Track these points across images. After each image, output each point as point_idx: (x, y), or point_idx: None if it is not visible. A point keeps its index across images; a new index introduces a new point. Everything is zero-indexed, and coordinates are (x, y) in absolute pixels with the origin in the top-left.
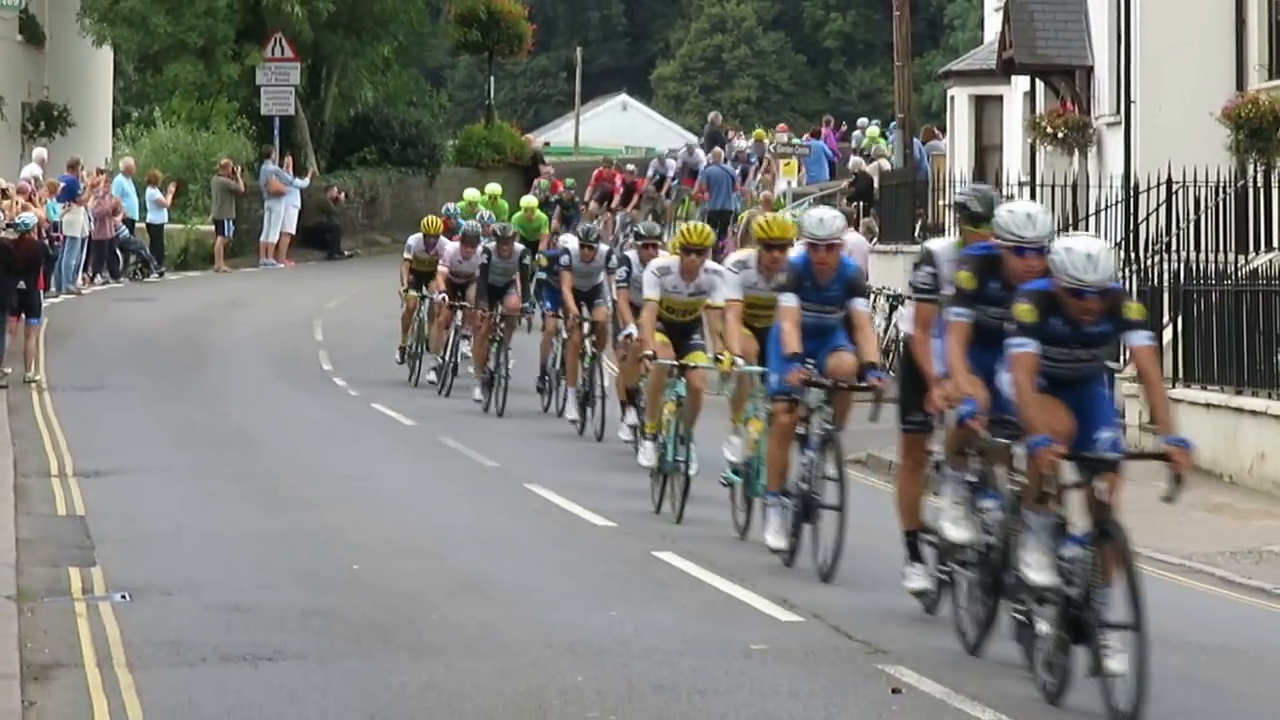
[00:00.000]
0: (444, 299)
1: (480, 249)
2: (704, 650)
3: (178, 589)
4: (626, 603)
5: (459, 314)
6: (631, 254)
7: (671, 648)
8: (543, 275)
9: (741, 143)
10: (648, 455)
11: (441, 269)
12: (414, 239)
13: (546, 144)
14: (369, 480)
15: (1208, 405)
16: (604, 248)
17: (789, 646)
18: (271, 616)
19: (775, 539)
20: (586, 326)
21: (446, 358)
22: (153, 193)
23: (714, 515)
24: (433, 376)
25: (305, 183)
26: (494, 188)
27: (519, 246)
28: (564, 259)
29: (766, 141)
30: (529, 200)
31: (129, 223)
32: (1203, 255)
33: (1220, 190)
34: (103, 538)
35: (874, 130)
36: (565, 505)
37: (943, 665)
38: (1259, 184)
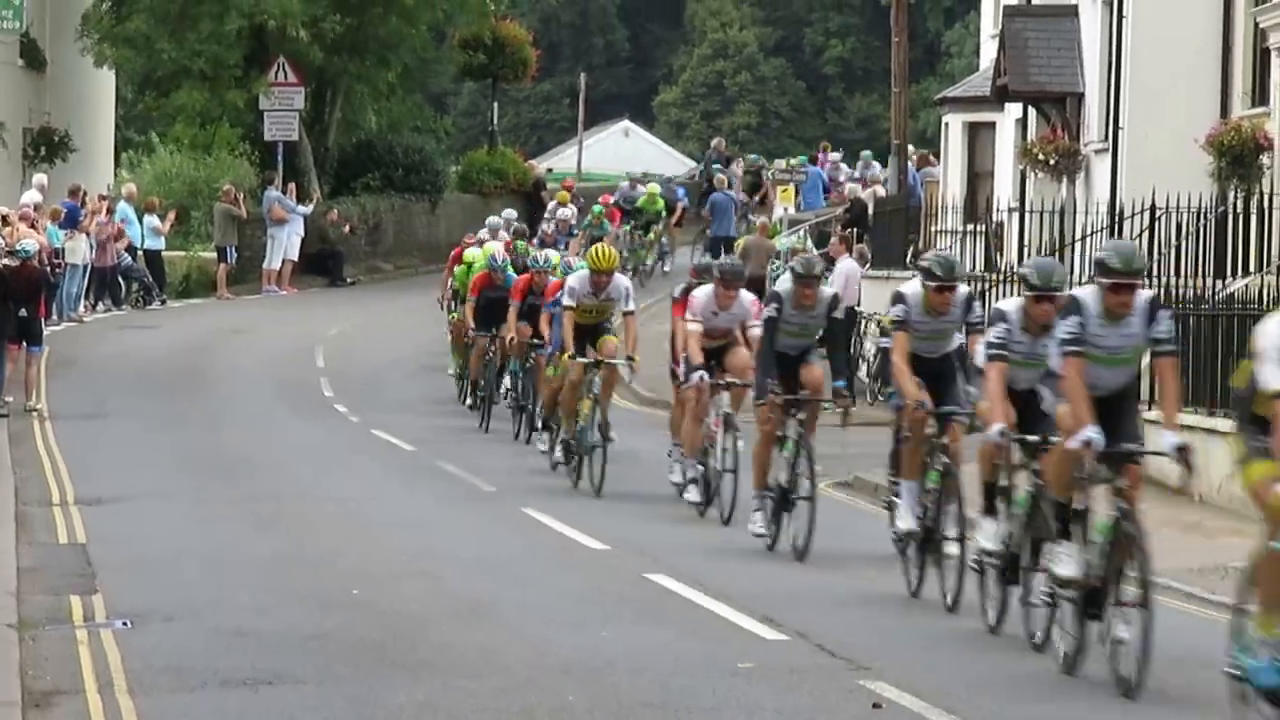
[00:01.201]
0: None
1: None
2: (693, 669)
3: (178, 614)
4: (619, 623)
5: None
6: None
7: (661, 667)
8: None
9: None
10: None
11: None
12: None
13: (549, 170)
14: (368, 504)
15: (1181, 426)
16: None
17: (774, 664)
18: (271, 640)
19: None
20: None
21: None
22: (151, 220)
23: (704, 539)
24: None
25: (308, 210)
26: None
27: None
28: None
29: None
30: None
31: (131, 250)
32: (1182, 280)
33: (1201, 216)
34: (104, 565)
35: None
36: (561, 529)
37: (922, 680)
38: (1238, 210)
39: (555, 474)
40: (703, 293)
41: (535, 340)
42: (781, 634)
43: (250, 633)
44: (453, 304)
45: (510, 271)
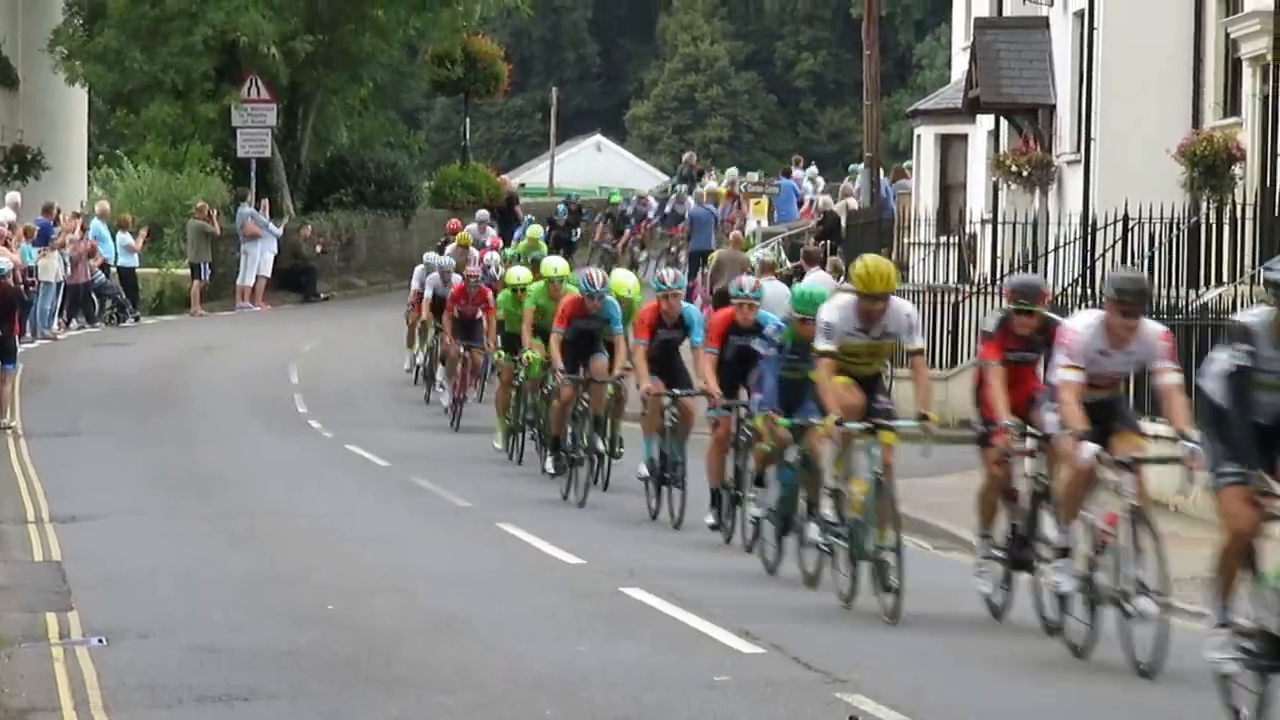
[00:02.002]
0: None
1: None
2: (668, 683)
3: (154, 631)
4: (594, 638)
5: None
6: None
7: (637, 681)
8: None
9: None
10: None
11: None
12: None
13: (522, 185)
14: (342, 520)
15: (1156, 437)
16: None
17: (750, 677)
18: (246, 657)
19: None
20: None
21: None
22: (124, 237)
23: (681, 552)
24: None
25: (279, 232)
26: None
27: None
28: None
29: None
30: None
31: (105, 267)
32: (1156, 290)
33: (1174, 226)
34: (79, 582)
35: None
36: (536, 544)
37: (899, 693)
38: (1211, 220)
39: (531, 489)
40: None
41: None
42: (758, 647)
43: (225, 649)
44: (497, 341)
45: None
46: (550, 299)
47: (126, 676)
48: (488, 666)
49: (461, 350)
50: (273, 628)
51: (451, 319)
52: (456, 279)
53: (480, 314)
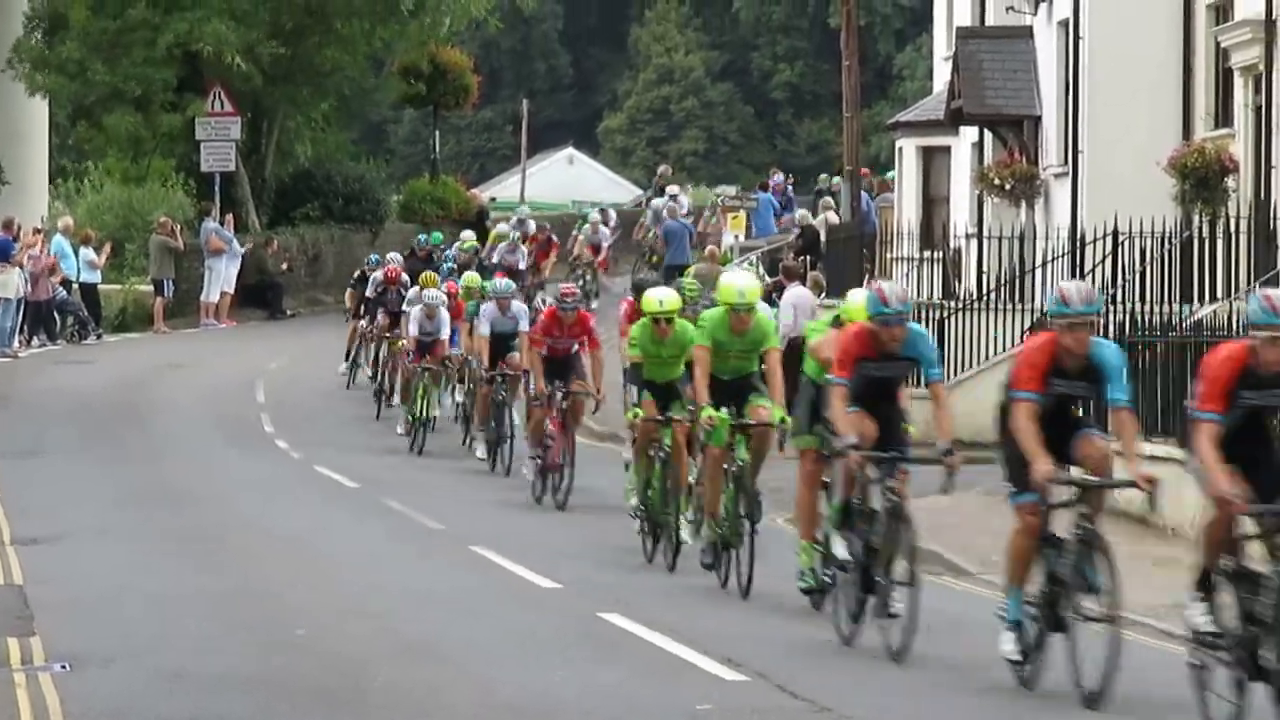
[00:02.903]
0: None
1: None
2: (648, 711)
3: (119, 656)
4: (571, 664)
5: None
6: None
7: (615, 709)
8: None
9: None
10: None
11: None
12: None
13: (492, 199)
14: (312, 543)
15: (1152, 458)
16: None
17: (734, 706)
18: (213, 682)
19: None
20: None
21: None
22: (86, 252)
23: (662, 578)
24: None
25: (240, 250)
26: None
27: None
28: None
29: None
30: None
31: (66, 284)
32: (1148, 307)
33: (1166, 241)
34: (41, 606)
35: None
36: (511, 567)
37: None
38: (1204, 234)
39: (504, 512)
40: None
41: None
42: (742, 674)
43: (191, 674)
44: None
45: None
46: (734, 333)
47: (91, 703)
48: (460, 691)
49: (559, 398)
50: (241, 652)
51: (539, 358)
52: (519, 307)
53: (577, 347)
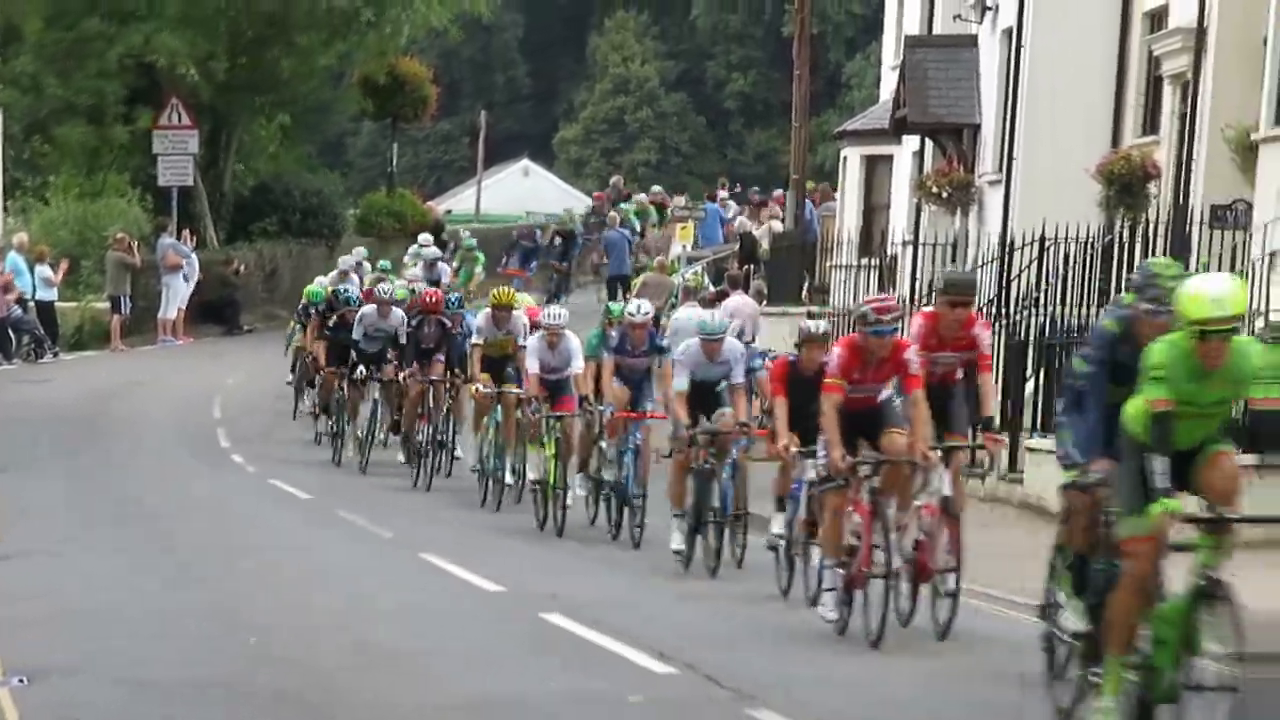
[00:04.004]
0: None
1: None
2: (586, 705)
3: (79, 669)
4: (516, 663)
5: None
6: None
7: (555, 704)
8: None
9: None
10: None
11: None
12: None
13: (448, 211)
14: (267, 554)
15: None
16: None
17: (665, 697)
18: (173, 692)
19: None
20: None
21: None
22: (42, 270)
23: (603, 579)
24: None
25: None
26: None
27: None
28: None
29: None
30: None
31: (22, 302)
32: (1068, 309)
33: (1089, 245)
34: (0, 621)
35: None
36: (458, 572)
37: (806, 707)
38: (1124, 238)
39: (454, 520)
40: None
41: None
42: (671, 667)
43: (151, 684)
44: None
45: None
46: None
47: (51, 714)
48: (411, 695)
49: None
50: (199, 662)
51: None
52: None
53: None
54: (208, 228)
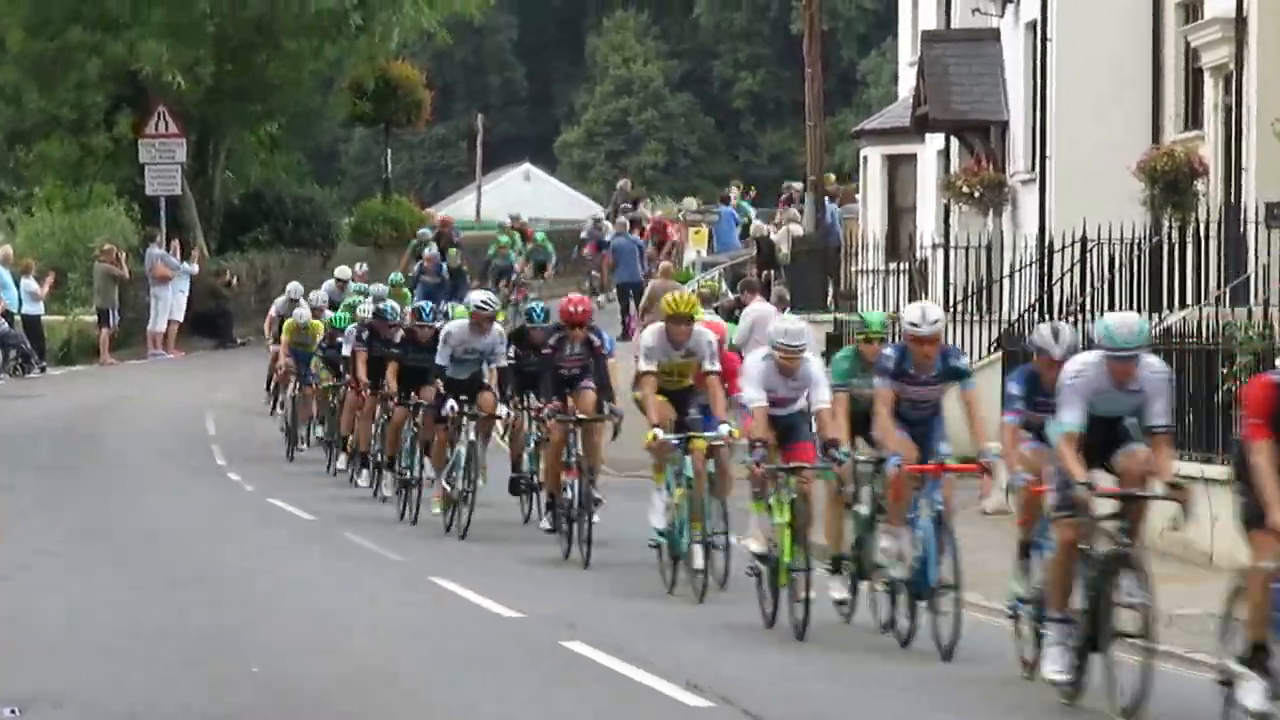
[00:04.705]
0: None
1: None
2: None
3: (69, 699)
4: (532, 693)
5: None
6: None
7: None
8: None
9: (646, 210)
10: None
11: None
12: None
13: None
14: (268, 576)
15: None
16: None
17: None
18: None
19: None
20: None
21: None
22: (28, 283)
23: (625, 605)
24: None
25: (194, 269)
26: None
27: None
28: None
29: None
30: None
31: (8, 316)
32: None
33: (1135, 247)
34: None
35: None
36: (471, 598)
37: None
38: (1173, 239)
39: (464, 542)
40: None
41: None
42: (706, 700)
43: (145, 714)
44: None
45: None
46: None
47: None
48: None
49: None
50: (197, 691)
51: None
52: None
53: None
54: (197, 238)
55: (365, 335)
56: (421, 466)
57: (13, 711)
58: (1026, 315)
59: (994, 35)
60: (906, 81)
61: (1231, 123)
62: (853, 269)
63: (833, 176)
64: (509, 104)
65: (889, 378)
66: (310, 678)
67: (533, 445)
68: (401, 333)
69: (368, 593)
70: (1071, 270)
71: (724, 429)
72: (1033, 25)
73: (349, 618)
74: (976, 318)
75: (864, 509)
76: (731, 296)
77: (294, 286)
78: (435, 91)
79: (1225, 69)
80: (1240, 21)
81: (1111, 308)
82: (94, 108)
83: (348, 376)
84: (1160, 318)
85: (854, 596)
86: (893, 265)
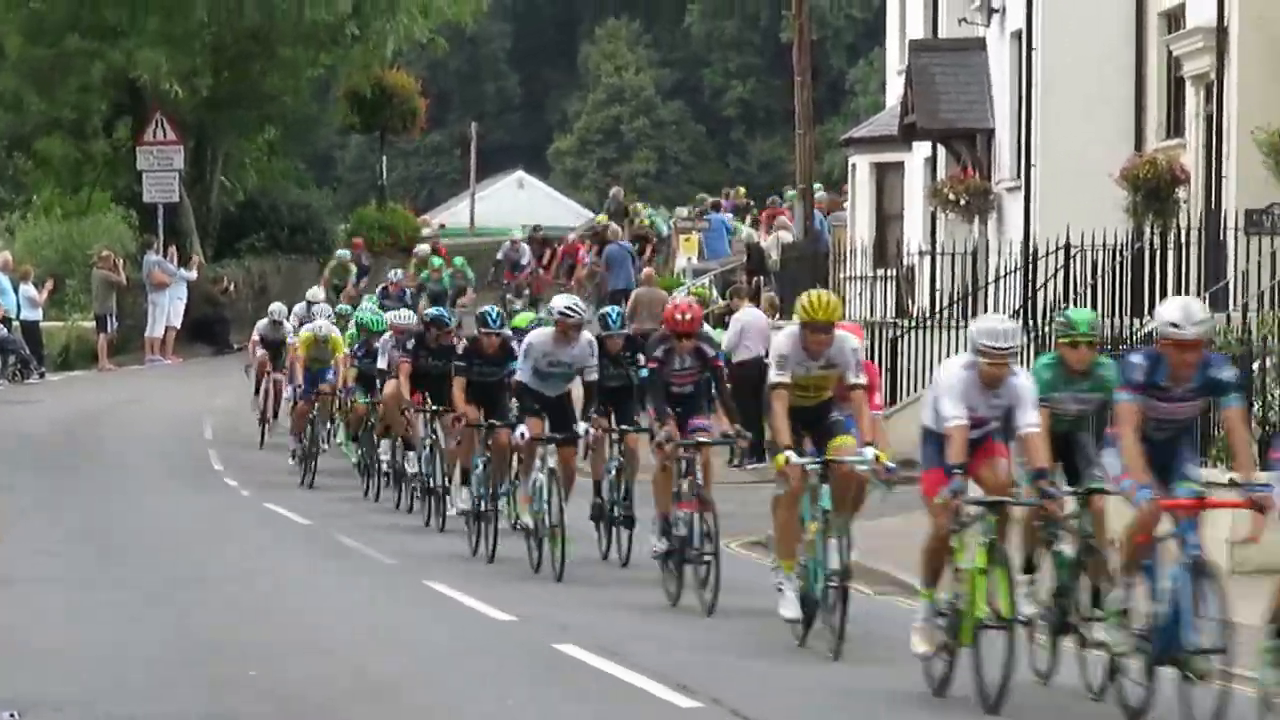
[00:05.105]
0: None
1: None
2: None
3: (69, 704)
4: (525, 695)
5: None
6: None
7: None
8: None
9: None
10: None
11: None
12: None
13: (441, 225)
14: (264, 581)
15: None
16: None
17: None
18: None
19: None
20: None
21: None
22: (26, 289)
23: (616, 608)
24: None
25: (192, 275)
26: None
27: None
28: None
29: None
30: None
31: (7, 322)
32: (1100, 320)
33: (1117, 254)
34: None
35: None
36: (465, 600)
37: None
38: (1155, 246)
39: (458, 546)
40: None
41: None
42: (696, 701)
43: (145, 718)
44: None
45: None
46: None
47: None
48: None
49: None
50: (196, 694)
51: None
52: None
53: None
54: (194, 245)
55: (412, 344)
56: (495, 496)
57: (13, 716)
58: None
59: (980, 45)
60: (894, 90)
61: (1212, 131)
62: (841, 275)
63: (821, 189)
64: (503, 112)
65: (1138, 392)
66: (308, 680)
67: (614, 472)
68: (464, 343)
69: (363, 596)
70: (1055, 276)
71: (869, 452)
72: (1018, 35)
73: (345, 621)
74: (961, 324)
75: (1068, 549)
76: (721, 303)
77: (276, 308)
78: (430, 99)
79: (1207, 78)
80: (1221, 31)
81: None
82: (95, 113)
83: (385, 391)
84: (1142, 323)
85: (1054, 656)
86: (880, 271)
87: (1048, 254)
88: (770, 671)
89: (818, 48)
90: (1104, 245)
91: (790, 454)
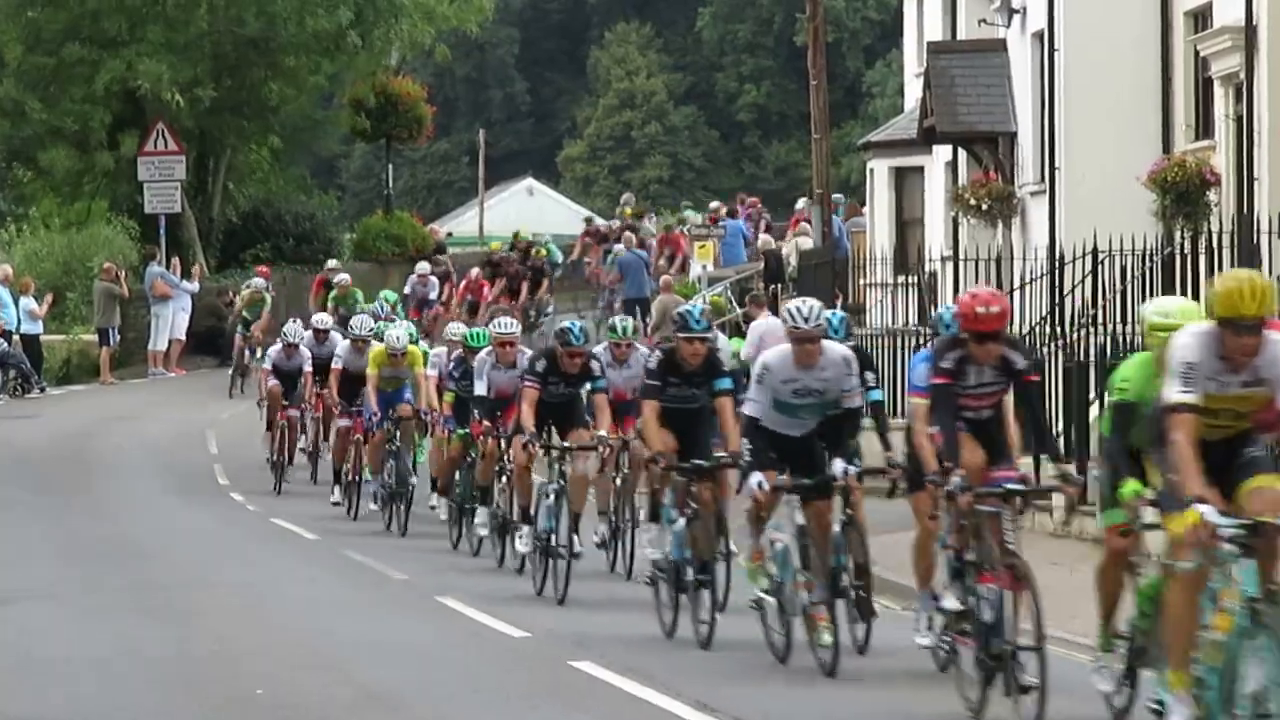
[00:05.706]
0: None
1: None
2: None
3: (72, 719)
4: (540, 714)
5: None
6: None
7: None
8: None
9: (651, 225)
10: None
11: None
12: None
13: (449, 234)
14: (270, 596)
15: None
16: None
17: None
18: None
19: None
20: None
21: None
22: (27, 302)
23: (633, 623)
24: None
25: (194, 286)
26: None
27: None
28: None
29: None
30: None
31: (7, 335)
32: (1130, 327)
33: (1147, 258)
34: None
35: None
36: (477, 617)
37: None
38: (1185, 250)
39: (470, 562)
40: None
41: None
42: (716, 719)
43: None
44: None
45: None
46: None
47: None
48: None
49: None
50: (198, 713)
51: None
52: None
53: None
54: (197, 256)
55: (541, 366)
56: (557, 533)
57: None
58: (1038, 328)
59: (1000, 46)
60: (912, 93)
61: (1243, 132)
62: (861, 282)
63: (841, 198)
64: (511, 118)
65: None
66: (315, 698)
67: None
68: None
69: (373, 612)
70: (1083, 282)
71: None
72: (1040, 35)
73: (354, 638)
74: None
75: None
76: (739, 311)
77: (291, 329)
78: (437, 107)
79: (1235, 78)
80: (1250, 30)
81: (1124, 320)
82: (98, 124)
83: (482, 422)
84: None
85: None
86: (901, 279)
87: (1075, 259)
88: (792, 687)
89: (833, 50)
90: (1133, 250)
91: (1206, 510)
